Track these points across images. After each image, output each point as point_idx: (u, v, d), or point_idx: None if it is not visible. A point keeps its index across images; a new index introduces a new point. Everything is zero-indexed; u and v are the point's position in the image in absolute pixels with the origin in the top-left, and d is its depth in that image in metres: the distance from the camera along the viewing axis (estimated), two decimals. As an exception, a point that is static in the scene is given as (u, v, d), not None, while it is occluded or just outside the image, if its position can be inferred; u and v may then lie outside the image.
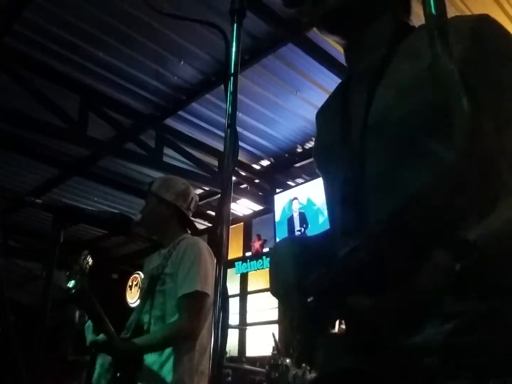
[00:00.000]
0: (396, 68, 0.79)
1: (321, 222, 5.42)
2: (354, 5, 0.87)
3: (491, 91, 0.70)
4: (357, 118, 0.80)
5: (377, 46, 0.86)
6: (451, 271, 0.57)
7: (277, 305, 6.48)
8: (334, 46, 3.96)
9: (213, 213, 7.02)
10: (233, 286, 6.92)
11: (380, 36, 0.87)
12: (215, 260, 1.99)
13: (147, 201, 2.10)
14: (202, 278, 1.81)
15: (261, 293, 6.92)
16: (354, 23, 0.89)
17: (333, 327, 0.72)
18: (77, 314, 5.76)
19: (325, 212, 5.15)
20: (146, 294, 1.94)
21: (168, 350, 1.82)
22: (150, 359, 1.84)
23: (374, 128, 0.77)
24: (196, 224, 7.78)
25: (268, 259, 6.11)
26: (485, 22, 0.74)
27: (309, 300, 0.71)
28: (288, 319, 0.78)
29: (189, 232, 2.10)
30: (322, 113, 1.02)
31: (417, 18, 0.90)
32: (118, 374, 1.73)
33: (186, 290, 1.79)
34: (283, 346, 0.88)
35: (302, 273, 0.77)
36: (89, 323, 1.76)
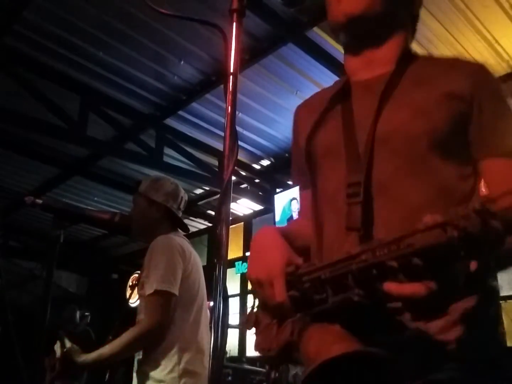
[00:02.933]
0: (406, 89, 0.88)
1: (321, 222, 5.41)
2: (373, 14, 0.94)
3: (486, 126, 0.86)
4: (363, 126, 0.86)
5: (384, 63, 0.94)
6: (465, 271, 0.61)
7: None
8: (334, 46, 3.95)
9: (213, 213, 7.01)
10: (233, 286, 6.91)
11: (389, 55, 0.95)
12: (194, 256, 1.99)
13: (135, 202, 2.08)
14: (162, 276, 1.80)
15: (261, 293, 6.92)
16: (369, 34, 0.96)
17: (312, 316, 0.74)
18: (77, 314, 5.76)
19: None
20: (138, 298, 1.96)
21: (145, 350, 1.82)
22: (136, 360, 1.85)
23: (384, 139, 0.84)
24: (196, 224, 7.81)
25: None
26: (485, 69, 0.91)
27: (302, 286, 0.73)
28: (265, 303, 0.79)
29: (182, 232, 2.10)
30: (309, 109, 1.05)
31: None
32: (106, 379, 1.75)
33: (148, 290, 1.80)
34: (256, 324, 0.82)
35: (286, 262, 0.79)
36: (57, 342, 1.78)
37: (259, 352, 0.84)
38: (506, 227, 0.56)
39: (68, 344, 1.73)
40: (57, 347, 1.76)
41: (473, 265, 0.60)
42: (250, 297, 6.96)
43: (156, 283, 1.78)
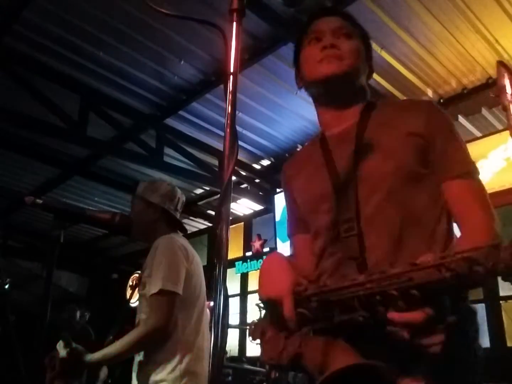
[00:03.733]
0: (373, 134, 1.04)
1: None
2: (355, 75, 1.11)
3: (441, 154, 1.01)
4: (345, 172, 1.02)
5: (352, 115, 1.10)
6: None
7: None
8: (334, 45, 3.96)
9: (213, 213, 7.01)
10: (233, 286, 6.92)
11: (356, 108, 1.12)
12: (196, 257, 2.00)
13: (133, 204, 2.11)
14: (167, 276, 1.81)
15: (261, 293, 6.92)
16: (345, 92, 1.12)
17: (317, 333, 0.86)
18: (77, 314, 5.76)
19: None
20: (138, 297, 1.96)
21: (147, 351, 1.83)
22: (135, 360, 1.86)
23: (365, 179, 1.00)
24: (196, 224, 7.81)
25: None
26: (433, 106, 1.09)
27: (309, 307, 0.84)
28: (274, 318, 0.91)
29: (181, 233, 2.10)
30: (296, 167, 1.22)
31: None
32: (110, 381, 1.76)
33: (152, 290, 1.80)
34: (262, 335, 0.95)
35: (293, 282, 0.90)
36: (60, 341, 1.78)
37: (267, 360, 0.93)
38: (487, 271, 0.69)
39: (73, 343, 1.74)
40: (60, 347, 1.76)
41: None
42: (250, 297, 6.96)
43: (160, 282, 1.79)
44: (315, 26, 1.16)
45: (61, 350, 1.75)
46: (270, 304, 0.93)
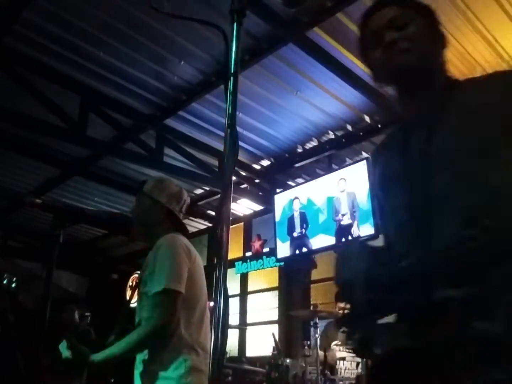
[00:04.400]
0: (451, 117, 1.01)
1: (321, 222, 5.41)
2: (424, 66, 1.08)
3: None
4: (418, 152, 1.02)
5: (431, 98, 1.08)
6: None
7: (277, 305, 6.49)
8: (334, 46, 3.96)
9: (213, 213, 7.02)
10: (233, 286, 6.91)
11: (433, 90, 1.09)
12: (198, 257, 2.00)
13: (139, 202, 2.09)
14: (170, 275, 1.81)
15: (261, 293, 6.92)
16: (418, 79, 1.09)
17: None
18: (76, 314, 5.76)
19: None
20: (138, 296, 1.96)
21: (151, 349, 1.83)
22: (138, 359, 1.86)
23: (438, 164, 0.98)
24: (196, 224, 7.80)
25: (269, 258, 6.17)
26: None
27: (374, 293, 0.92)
28: (351, 304, 0.99)
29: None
30: (383, 152, 1.22)
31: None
32: (112, 380, 1.76)
33: (156, 288, 1.80)
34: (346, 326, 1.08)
35: (367, 270, 0.96)
36: (63, 342, 1.78)
37: (337, 326, 1.08)
38: None
39: (77, 344, 1.74)
40: (63, 348, 1.76)
41: None
42: (250, 297, 6.97)
43: (164, 281, 1.79)
44: (371, 23, 1.16)
45: (64, 350, 1.75)
46: (343, 288, 1.02)
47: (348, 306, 1.01)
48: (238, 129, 0.87)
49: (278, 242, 5.83)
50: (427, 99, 1.09)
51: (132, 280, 8.46)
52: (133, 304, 2.07)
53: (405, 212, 1.02)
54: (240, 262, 6.69)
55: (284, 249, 5.75)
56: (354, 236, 5.02)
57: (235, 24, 0.91)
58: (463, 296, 0.82)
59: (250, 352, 6.50)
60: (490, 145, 0.95)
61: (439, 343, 0.83)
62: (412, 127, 1.09)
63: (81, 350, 1.74)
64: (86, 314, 5.94)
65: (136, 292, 2.01)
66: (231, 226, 0.84)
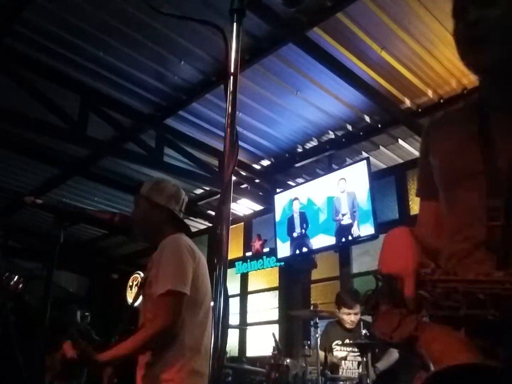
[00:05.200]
0: None
1: (321, 222, 5.42)
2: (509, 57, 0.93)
3: None
4: (504, 153, 0.90)
5: None
6: None
7: (277, 305, 6.49)
8: (334, 46, 3.96)
9: (213, 213, 7.01)
10: (233, 286, 6.91)
11: None
12: (202, 257, 2.00)
13: (137, 205, 2.09)
14: (175, 276, 1.82)
15: (261, 293, 6.92)
16: (505, 70, 0.96)
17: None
18: (78, 314, 5.76)
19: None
20: (142, 297, 1.97)
21: (155, 350, 1.82)
22: (141, 360, 1.85)
23: None
24: (196, 224, 7.80)
25: (269, 258, 6.16)
26: None
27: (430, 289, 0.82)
28: (393, 297, 0.89)
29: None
30: (441, 127, 1.11)
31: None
32: (115, 381, 1.76)
33: (160, 290, 1.80)
34: (375, 308, 0.95)
35: (418, 262, 0.88)
36: (68, 341, 1.78)
37: (379, 335, 0.91)
38: None
39: (83, 343, 1.74)
40: (67, 347, 1.76)
41: None
42: (250, 297, 6.96)
43: (169, 282, 1.80)
44: None
45: (69, 350, 1.74)
46: (390, 279, 0.91)
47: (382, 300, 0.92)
48: (238, 129, 0.87)
49: (278, 242, 5.83)
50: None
51: (132, 280, 8.46)
52: (136, 304, 2.07)
53: (479, 214, 0.91)
54: (240, 262, 6.69)
55: (284, 249, 5.75)
56: (354, 236, 5.03)
57: (235, 24, 0.90)
58: None
59: (250, 352, 6.50)
60: None
61: None
62: (494, 116, 0.96)
63: (86, 349, 1.74)
64: (86, 314, 5.94)
65: (139, 293, 2.01)
66: (231, 226, 0.83)
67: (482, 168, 0.93)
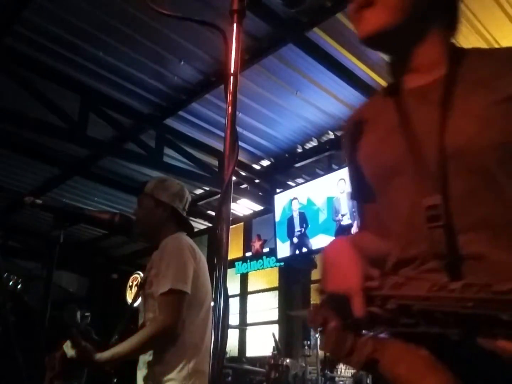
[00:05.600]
0: (465, 94, 0.81)
1: (321, 222, 5.42)
2: (397, 26, 0.87)
3: None
4: (428, 141, 0.80)
5: (432, 66, 0.87)
6: None
7: (277, 306, 6.49)
8: (334, 46, 3.96)
9: (213, 213, 7.01)
10: (233, 286, 6.92)
11: (433, 56, 0.88)
12: (202, 257, 2.00)
13: (141, 203, 2.09)
14: (176, 275, 1.82)
15: (261, 293, 6.92)
16: (399, 43, 0.91)
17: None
18: (78, 314, 5.76)
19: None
20: (142, 296, 1.97)
21: (156, 350, 1.83)
22: (142, 360, 1.85)
23: (454, 155, 0.78)
24: (196, 224, 7.81)
25: (269, 258, 6.17)
26: None
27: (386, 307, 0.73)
28: (346, 315, 0.78)
29: (185, 232, 2.11)
30: (361, 123, 0.99)
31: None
32: (115, 380, 1.76)
33: (162, 289, 1.80)
34: (323, 324, 0.82)
35: (364, 275, 0.77)
36: (68, 341, 1.78)
37: (330, 353, 0.83)
38: None
39: (83, 342, 1.74)
40: (67, 347, 1.76)
41: None
42: (250, 297, 6.97)
43: (170, 282, 1.80)
44: None
45: (69, 350, 1.74)
46: (336, 297, 0.81)
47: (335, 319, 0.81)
48: (238, 129, 0.87)
49: (278, 242, 5.83)
50: (429, 62, 0.89)
51: (132, 280, 8.46)
52: (136, 303, 2.07)
53: (410, 216, 0.83)
54: (240, 262, 6.69)
55: (284, 249, 5.75)
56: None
57: (235, 24, 0.91)
58: None
59: (250, 352, 6.50)
60: None
61: None
62: (410, 101, 0.88)
63: (86, 349, 1.74)
64: (86, 314, 5.94)
65: (139, 293, 2.02)
66: (231, 226, 0.83)
67: (409, 163, 0.83)
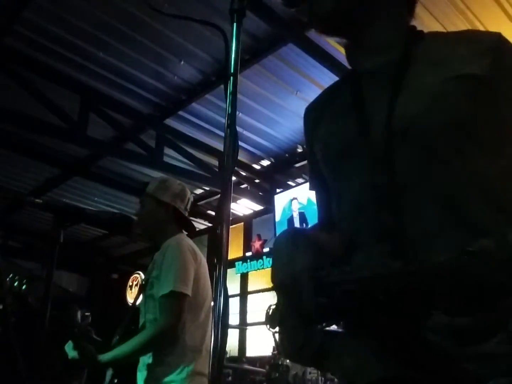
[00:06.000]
0: (417, 74, 0.80)
1: (321, 222, 5.42)
2: (349, 7, 0.86)
3: (509, 107, 0.77)
4: (377, 121, 0.79)
5: (387, 47, 0.86)
6: None
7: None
8: (334, 46, 3.95)
9: (213, 213, 7.02)
10: (233, 286, 6.91)
11: (388, 38, 0.87)
12: (203, 259, 2.00)
13: (143, 203, 2.10)
14: (177, 278, 1.82)
15: (261, 293, 6.92)
16: (353, 25, 0.88)
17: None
18: (78, 314, 5.76)
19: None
20: (143, 297, 1.97)
21: (156, 352, 1.83)
22: (142, 362, 1.85)
23: (402, 133, 0.77)
24: (196, 224, 7.82)
25: (269, 258, 6.17)
26: (503, 41, 0.80)
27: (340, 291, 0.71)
28: (295, 308, 0.76)
29: (186, 232, 2.11)
30: (319, 109, 0.97)
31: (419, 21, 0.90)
32: (115, 381, 1.76)
33: (163, 291, 1.81)
34: (280, 323, 0.78)
35: (312, 264, 0.75)
36: (69, 342, 1.78)
37: (285, 353, 0.81)
38: None
39: (85, 343, 1.74)
40: (69, 348, 1.76)
41: None
42: (250, 297, 6.97)
43: (171, 284, 1.80)
44: None
45: (71, 351, 1.74)
46: (287, 291, 0.78)
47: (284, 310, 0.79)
48: (238, 129, 0.87)
49: (278, 242, 5.82)
50: (381, 47, 0.87)
51: (132, 280, 8.47)
52: (136, 304, 2.08)
53: (359, 198, 0.81)
54: (240, 262, 6.69)
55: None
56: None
57: (235, 24, 0.91)
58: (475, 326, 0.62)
59: (250, 352, 6.50)
60: (468, 123, 0.76)
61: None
62: (365, 83, 0.86)
63: (89, 349, 1.74)
64: (87, 314, 5.94)
65: (140, 294, 2.02)
66: (231, 226, 0.83)
67: (359, 145, 0.81)
